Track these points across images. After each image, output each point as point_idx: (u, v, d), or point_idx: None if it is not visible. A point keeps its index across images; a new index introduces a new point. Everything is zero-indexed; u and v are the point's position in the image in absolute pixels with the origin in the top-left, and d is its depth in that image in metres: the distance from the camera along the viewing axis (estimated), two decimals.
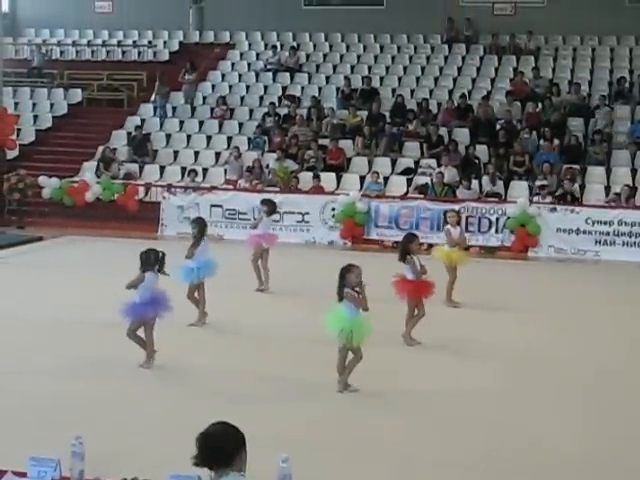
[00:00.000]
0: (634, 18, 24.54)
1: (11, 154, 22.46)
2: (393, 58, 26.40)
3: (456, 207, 17.84)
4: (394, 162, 21.59)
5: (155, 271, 9.69)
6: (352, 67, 26.16)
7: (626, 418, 8.52)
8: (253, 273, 13.99)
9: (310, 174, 20.85)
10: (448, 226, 13.76)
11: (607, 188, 19.96)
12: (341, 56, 26.86)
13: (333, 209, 19.40)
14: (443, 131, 22.11)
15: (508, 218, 18.59)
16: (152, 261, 9.69)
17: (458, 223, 13.92)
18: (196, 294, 11.77)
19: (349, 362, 9.01)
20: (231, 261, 13.63)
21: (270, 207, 14.50)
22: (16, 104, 25.49)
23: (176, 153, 23.29)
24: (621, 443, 7.83)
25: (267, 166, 21.47)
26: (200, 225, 12.00)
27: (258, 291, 13.94)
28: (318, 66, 26.49)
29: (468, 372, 9.91)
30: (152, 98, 25.06)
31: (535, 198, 19.15)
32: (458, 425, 8.11)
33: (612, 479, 7.05)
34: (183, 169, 22.16)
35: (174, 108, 25.00)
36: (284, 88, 25.43)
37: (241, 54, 27.60)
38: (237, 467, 4.22)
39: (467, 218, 18.53)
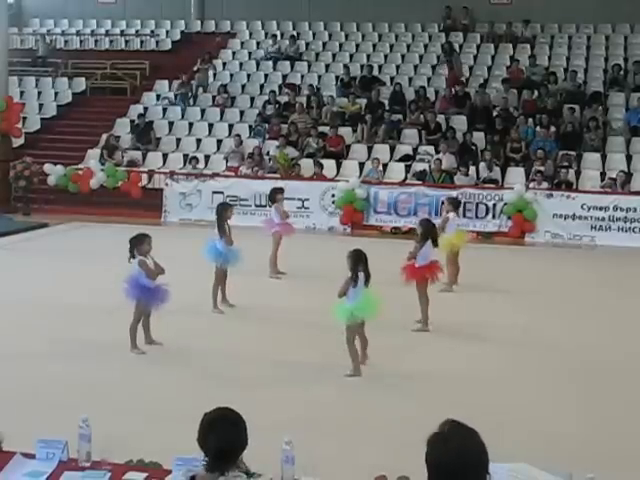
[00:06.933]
0: (629, 6, 24.71)
1: (17, 142, 22.76)
2: (391, 47, 26.56)
3: (454, 193, 18.22)
4: (393, 149, 21.86)
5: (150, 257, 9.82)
6: (351, 55, 26.32)
7: (623, 401, 8.63)
8: (259, 259, 13.93)
9: (310, 161, 21.10)
10: (450, 214, 13.72)
11: (602, 174, 20.11)
12: (340, 45, 27.05)
13: (333, 195, 19.60)
14: (441, 118, 22.30)
15: (505, 204, 18.75)
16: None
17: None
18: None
19: (354, 348, 9.07)
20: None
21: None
22: (22, 93, 25.74)
23: (178, 141, 23.54)
24: (619, 425, 7.95)
25: (268, 153, 21.76)
26: (217, 211, 12.18)
27: (272, 278, 14.09)
28: (317, 55, 26.68)
29: (468, 356, 10.03)
30: (176, 88, 25.19)
31: (531, 184, 19.36)
32: (463, 407, 8.09)
33: (611, 460, 7.04)
34: (185, 156, 22.42)
35: (175, 96, 25.22)
36: (284, 76, 25.64)
37: (242, 43, 27.83)
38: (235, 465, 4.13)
39: (465, 204, 18.75)
